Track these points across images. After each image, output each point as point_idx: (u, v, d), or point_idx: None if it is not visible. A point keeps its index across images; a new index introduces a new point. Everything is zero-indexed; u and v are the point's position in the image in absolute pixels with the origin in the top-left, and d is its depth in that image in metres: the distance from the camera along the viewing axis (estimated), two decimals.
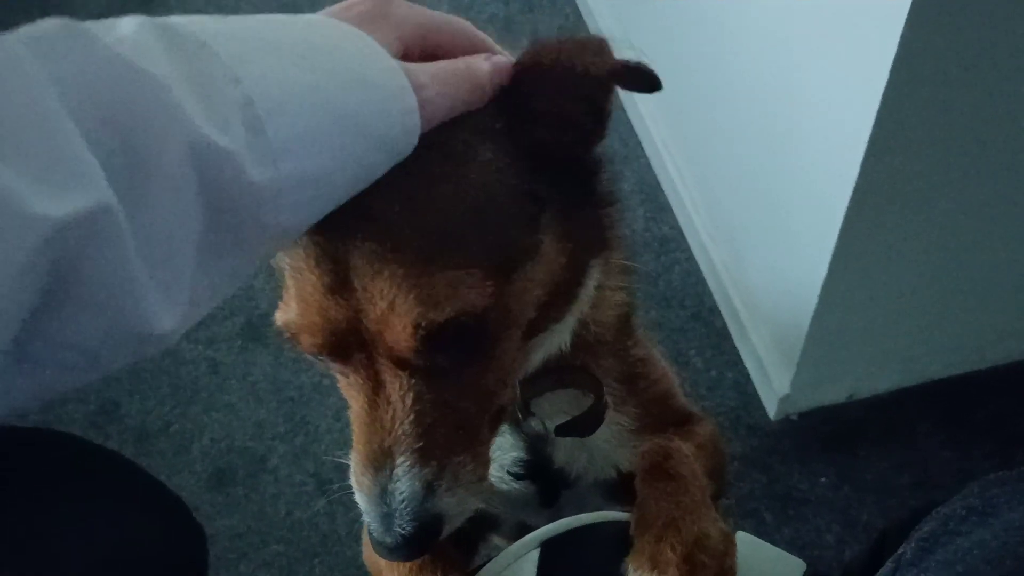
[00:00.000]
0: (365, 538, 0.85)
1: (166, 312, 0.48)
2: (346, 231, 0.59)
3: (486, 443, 0.68)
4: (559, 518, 0.76)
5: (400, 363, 0.61)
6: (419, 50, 0.65)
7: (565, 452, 0.84)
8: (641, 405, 0.84)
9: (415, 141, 0.59)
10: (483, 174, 0.62)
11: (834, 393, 1.56)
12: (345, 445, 0.65)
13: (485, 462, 0.67)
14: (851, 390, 1.56)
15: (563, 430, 0.79)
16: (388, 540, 0.62)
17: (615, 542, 0.69)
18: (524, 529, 0.83)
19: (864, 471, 1.52)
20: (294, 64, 0.53)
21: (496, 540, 1.00)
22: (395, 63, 0.58)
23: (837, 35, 1.13)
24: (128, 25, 0.48)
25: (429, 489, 0.62)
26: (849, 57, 1.09)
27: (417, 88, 0.58)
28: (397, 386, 0.61)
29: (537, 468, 0.84)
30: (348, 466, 0.66)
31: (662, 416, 0.86)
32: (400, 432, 0.61)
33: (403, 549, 0.63)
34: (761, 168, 1.47)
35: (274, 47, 0.53)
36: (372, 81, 0.56)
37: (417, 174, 0.59)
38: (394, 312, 0.57)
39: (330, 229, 0.59)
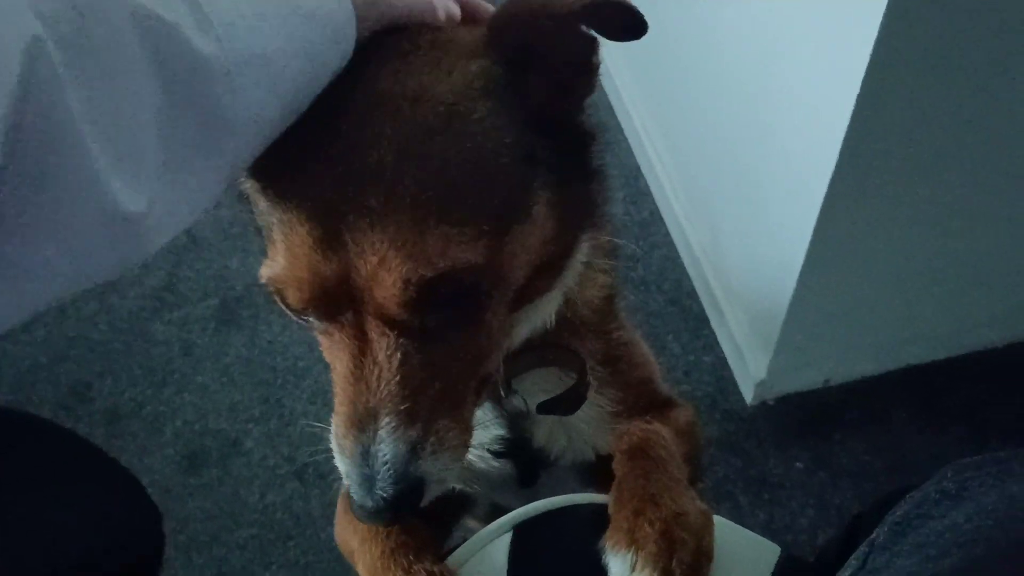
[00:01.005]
0: (337, 519, 0.84)
1: (131, 189, 0.47)
2: (339, 185, 0.58)
3: (471, 410, 0.67)
4: (535, 500, 0.76)
5: (389, 321, 0.60)
6: None
7: (545, 432, 0.84)
8: (622, 388, 0.84)
9: (354, 26, 0.58)
10: (480, 131, 0.61)
11: (811, 378, 1.57)
12: (321, 422, 0.64)
13: (468, 429, 0.66)
14: (828, 375, 1.57)
15: (545, 408, 0.78)
16: (369, 503, 0.61)
17: (591, 523, 0.69)
18: (498, 511, 0.82)
19: (839, 455, 1.53)
20: None
21: (469, 522, 0.99)
22: None
23: (817, 23, 1.12)
24: None
25: (413, 451, 0.61)
26: (829, 44, 1.09)
27: None
28: (384, 345, 0.60)
29: (517, 447, 0.83)
30: (323, 436, 0.65)
31: (642, 400, 0.85)
32: (385, 392, 0.60)
33: (384, 512, 0.61)
34: (741, 154, 1.47)
35: None
36: None
37: (413, 128, 0.58)
38: (385, 267, 0.57)
39: (323, 184, 0.58)
